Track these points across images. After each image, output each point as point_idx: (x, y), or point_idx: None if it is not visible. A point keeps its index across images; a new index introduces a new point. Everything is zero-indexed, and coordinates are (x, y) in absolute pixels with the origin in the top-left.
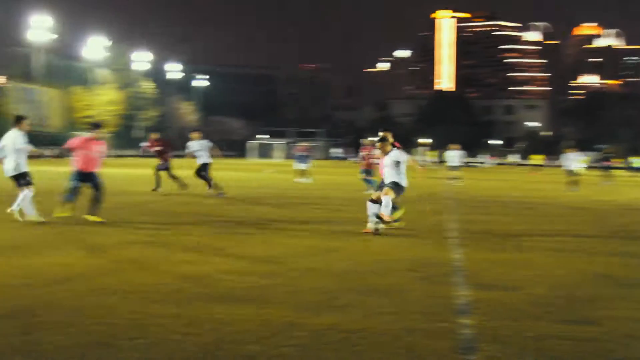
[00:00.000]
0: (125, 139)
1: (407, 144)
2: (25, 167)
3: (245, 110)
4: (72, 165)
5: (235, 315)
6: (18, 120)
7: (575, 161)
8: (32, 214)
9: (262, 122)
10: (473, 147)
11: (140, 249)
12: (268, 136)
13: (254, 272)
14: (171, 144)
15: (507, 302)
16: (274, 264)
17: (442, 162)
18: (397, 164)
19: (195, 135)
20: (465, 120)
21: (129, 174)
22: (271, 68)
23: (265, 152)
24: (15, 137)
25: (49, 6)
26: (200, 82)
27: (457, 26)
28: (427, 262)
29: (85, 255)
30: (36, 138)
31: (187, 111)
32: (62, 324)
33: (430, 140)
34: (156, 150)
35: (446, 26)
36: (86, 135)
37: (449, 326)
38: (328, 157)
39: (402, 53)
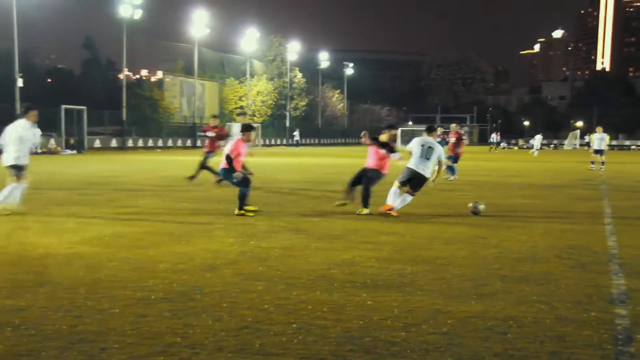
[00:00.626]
0: (277, 128)
1: (560, 127)
2: (26, 160)
3: (393, 96)
4: (226, 164)
5: (381, 302)
6: (26, 110)
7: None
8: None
9: (409, 108)
10: (633, 129)
11: (287, 236)
12: (411, 123)
13: (399, 259)
14: (226, 133)
15: None
16: (420, 250)
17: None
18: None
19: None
20: (626, 101)
21: (278, 162)
22: (419, 54)
23: (411, 139)
24: (21, 127)
25: (204, 1)
26: (348, 70)
27: (621, 2)
28: (580, 249)
29: (234, 243)
30: (192, 129)
31: (336, 99)
32: (213, 308)
33: (581, 123)
34: (211, 137)
35: (608, 2)
36: (237, 136)
37: (603, 316)
38: (484, 143)
39: (559, 33)
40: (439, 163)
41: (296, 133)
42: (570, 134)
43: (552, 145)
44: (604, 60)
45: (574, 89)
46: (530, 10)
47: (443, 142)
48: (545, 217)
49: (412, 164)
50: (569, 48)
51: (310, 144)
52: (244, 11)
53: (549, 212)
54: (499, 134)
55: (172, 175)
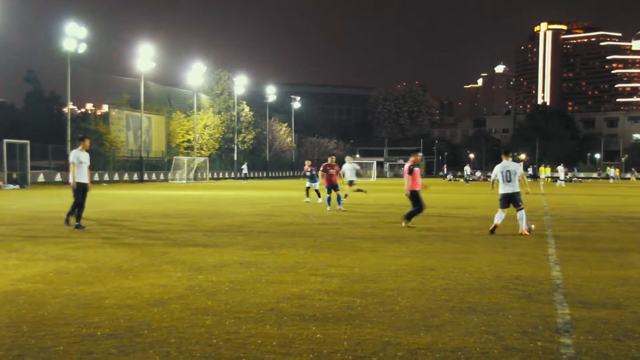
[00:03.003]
0: (225, 162)
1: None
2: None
3: (340, 130)
4: None
5: (331, 335)
6: (81, 139)
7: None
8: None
9: (356, 141)
10: (574, 161)
11: (237, 269)
12: (358, 155)
13: (348, 292)
14: None
15: (610, 320)
16: (368, 283)
17: (548, 177)
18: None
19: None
20: (565, 134)
21: (228, 195)
22: (366, 88)
23: (359, 171)
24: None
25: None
26: (296, 103)
27: (558, 38)
28: (526, 279)
29: (183, 277)
30: (139, 163)
31: (284, 133)
32: (161, 344)
33: (524, 156)
34: None
35: (547, 39)
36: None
37: (549, 346)
38: (431, 175)
39: (501, 68)
40: (523, 177)
41: (244, 166)
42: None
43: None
44: (544, 95)
45: (517, 123)
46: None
47: (316, 177)
48: (491, 248)
49: (501, 188)
50: (511, 82)
51: (258, 177)
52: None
53: (495, 242)
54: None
55: (119, 210)
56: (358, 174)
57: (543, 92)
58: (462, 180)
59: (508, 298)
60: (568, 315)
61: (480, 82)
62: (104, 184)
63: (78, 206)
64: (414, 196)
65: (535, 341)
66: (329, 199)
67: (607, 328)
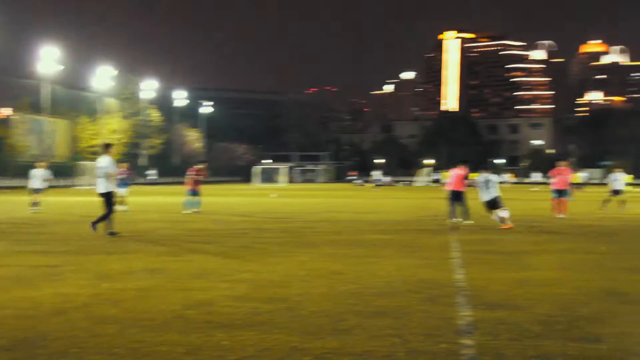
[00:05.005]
0: (132, 167)
1: (411, 165)
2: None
3: (251, 135)
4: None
5: (238, 342)
6: (107, 146)
7: (620, 181)
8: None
9: (266, 146)
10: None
11: (144, 276)
12: (271, 160)
13: (257, 298)
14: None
15: (510, 321)
16: (276, 288)
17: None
18: None
19: None
20: (470, 140)
21: (135, 201)
22: (275, 93)
23: (270, 176)
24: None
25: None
26: (205, 108)
27: (463, 47)
28: (431, 283)
29: (86, 285)
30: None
31: (192, 138)
32: (60, 355)
33: (431, 161)
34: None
35: (452, 47)
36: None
37: (451, 347)
38: (340, 180)
39: (408, 75)
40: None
41: (152, 171)
42: (421, 170)
43: (404, 182)
44: (450, 101)
45: (424, 128)
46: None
47: (123, 184)
48: (399, 252)
49: (484, 196)
50: (418, 89)
51: (167, 183)
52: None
53: (402, 246)
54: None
55: (20, 216)
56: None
57: (449, 98)
58: (371, 185)
59: (414, 301)
60: (470, 316)
61: (388, 88)
62: (6, 190)
63: None
64: (459, 196)
65: (439, 343)
66: (188, 203)
67: (506, 328)
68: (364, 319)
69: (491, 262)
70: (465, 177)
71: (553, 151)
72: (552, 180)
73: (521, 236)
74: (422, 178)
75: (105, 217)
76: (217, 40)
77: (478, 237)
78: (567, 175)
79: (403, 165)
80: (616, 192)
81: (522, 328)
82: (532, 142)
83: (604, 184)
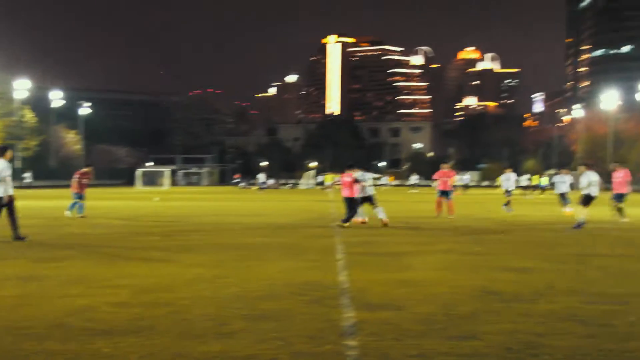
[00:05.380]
0: None
1: (295, 168)
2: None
3: (132, 137)
4: None
5: (119, 349)
6: (2, 150)
7: (512, 181)
8: None
9: (149, 149)
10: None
11: (19, 284)
12: (152, 163)
13: (139, 303)
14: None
15: (391, 321)
16: (160, 293)
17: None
18: None
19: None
20: (353, 143)
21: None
22: (157, 94)
23: (152, 180)
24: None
25: None
26: (84, 109)
27: (345, 51)
28: (315, 285)
29: None
30: None
31: (71, 140)
32: None
33: (315, 164)
34: None
35: (334, 51)
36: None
37: (335, 348)
38: (224, 183)
39: (292, 78)
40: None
41: (27, 174)
42: (306, 173)
43: (289, 185)
44: (333, 105)
45: (308, 132)
46: (266, 54)
47: None
48: (283, 255)
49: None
50: (302, 92)
51: (43, 186)
52: None
53: (286, 249)
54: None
55: None
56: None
57: (332, 102)
58: (255, 188)
59: (298, 304)
60: (353, 318)
61: (272, 91)
62: None
63: None
64: (353, 201)
65: (323, 345)
66: (73, 205)
67: (389, 329)
68: (249, 322)
69: (374, 264)
70: (355, 181)
71: (432, 154)
72: (435, 183)
73: (402, 237)
74: (307, 181)
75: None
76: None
77: (361, 239)
78: (450, 177)
79: (287, 168)
80: (508, 193)
81: (404, 328)
82: (413, 145)
83: (488, 186)
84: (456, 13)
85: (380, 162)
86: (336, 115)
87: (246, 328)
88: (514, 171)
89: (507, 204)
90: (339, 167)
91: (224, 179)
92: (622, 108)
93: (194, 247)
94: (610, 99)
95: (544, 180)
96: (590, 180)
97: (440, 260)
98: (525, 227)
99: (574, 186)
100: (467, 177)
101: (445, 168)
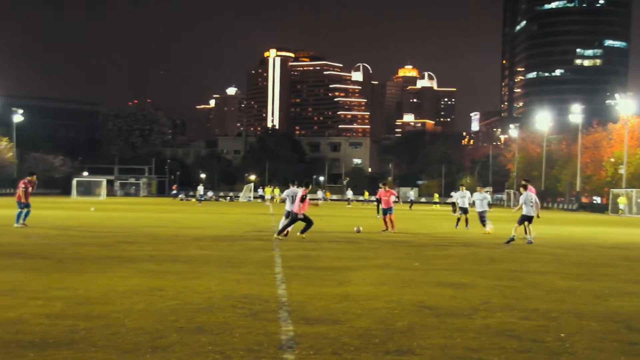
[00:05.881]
0: None
1: (235, 180)
2: None
3: (67, 146)
4: None
5: None
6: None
7: (467, 199)
8: None
9: (86, 158)
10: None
11: None
12: (87, 173)
13: (72, 315)
14: None
15: (329, 335)
16: (94, 305)
17: (273, 198)
18: None
19: None
20: (293, 157)
21: None
22: (94, 103)
23: (89, 189)
24: None
25: None
26: (17, 116)
27: (286, 65)
28: (253, 298)
29: None
30: None
31: (4, 147)
32: None
33: (255, 177)
34: None
35: (275, 65)
36: None
37: None
38: (162, 195)
39: (232, 91)
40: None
41: None
42: (245, 186)
43: (228, 198)
44: (273, 118)
45: (248, 144)
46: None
47: None
48: (221, 268)
49: (288, 207)
50: (242, 105)
51: None
52: None
53: (225, 262)
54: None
55: None
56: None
57: (273, 115)
58: (194, 200)
59: (236, 317)
60: (292, 331)
61: (212, 103)
62: None
63: None
64: (305, 217)
65: (260, 358)
66: (19, 214)
67: (327, 342)
68: (185, 335)
69: (312, 278)
70: (303, 198)
71: (371, 170)
72: (379, 200)
73: (341, 252)
74: (246, 193)
75: None
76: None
77: (301, 252)
78: (390, 195)
79: (227, 181)
80: (464, 210)
81: (342, 342)
82: (353, 160)
83: (427, 202)
84: (395, 32)
85: (320, 176)
86: (276, 129)
87: (182, 341)
88: (465, 189)
89: (466, 221)
90: (279, 181)
91: (162, 191)
92: (554, 129)
93: (131, 258)
94: (543, 120)
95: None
96: (526, 199)
97: (379, 275)
98: (463, 243)
99: (490, 205)
100: (412, 194)
101: (386, 187)
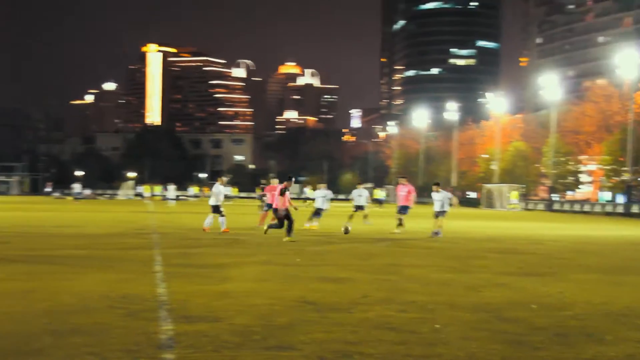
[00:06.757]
0: None
1: (114, 178)
2: None
3: None
4: None
5: None
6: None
7: (364, 197)
8: None
9: None
10: (183, 180)
11: None
12: None
13: None
14: None
15: (209, 333)
16: None
17: (154, 195)
18: None
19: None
20: (174, 154)
21: None
22: None
23: None
24: None
25: None
26: None
27: (166, 61)
28: (132, 297)
29: None
30: None
31: None
32: None
33: (134, 174)
34: None
35: (155, 60)
36: None
37: None
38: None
39: (110, 86)
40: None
41: None
42: (124, 184)
43: (107, 195)
44: (153, 114)
45: (127, 141)
46: (82, 60)
47: None
48: (99, 268)
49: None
50: (121, 101)
51: None
52: None
53: (103, 261)
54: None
55: None
56: None
57: (153, 112)
58: (70, 198)
59: (114, 317)
60: (172, 330)
61: (89, 98)
62: None
63: None
64: (285, 214)
65: (138, 358)
66: None
67: (207, 340)
68: (59, 338)
69: (193, 276)
70: (282, 192)
71: (254, 166)
72: (265, 197)
73: (222, 249)
74: (126, 191)
75: None
76: None
77: (181, 250)
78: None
79: (105, 178)
80: (359, 208)
81: (222, 339)
82: (235, 157)
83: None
84: (277, 28)
85: (201, 173)
86: (157, 126)
87: (55, 344)
88: (362, 187)
89: (350, 216)
90: (159, 178)
91: (35, 188)
92: (432, 126)
93: (1, 259)
94: (421, 117)
95: (381, 194)
96: (443, 197)
97: (260, 271)
98: (346, 238)
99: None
100: (305, 190)
101: (273, 183)
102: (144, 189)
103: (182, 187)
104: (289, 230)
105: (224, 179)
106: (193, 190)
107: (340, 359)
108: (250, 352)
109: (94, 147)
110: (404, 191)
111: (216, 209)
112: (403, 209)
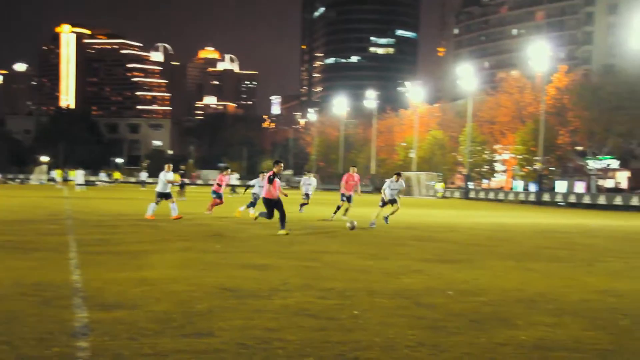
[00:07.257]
0: None
1: (26, 162)
2: None
3: None
4: None
5: None
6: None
7: (312, 185)
8: None
9: None
10: (99, 165)
11: None
12: None
13: None
14: None
15: (126, 321)
16: None
17: (66, 180)
18: None
19: None
20: (90, 138)
21: None
22: None
23: None
24: None
25: None
26: None
27: (82, 42)
28: (46, 285)
29: None
30: None
31: None
32: None
33: (48, 159)
34: None
35: (69, 41)
36: None
37: (65, 350)
38: None
39: (21, 67)
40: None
41: None
42: (37, 168)
43: (18, 180)
44: (68, 97)
45: (40, 124)
46: None
47: None
48: (10, 254)
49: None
50: (33, 83)
51: None
52: None
53: (14, 248)
54: None
55: None
56: None
57: (67, 94)
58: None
59: (25, 305)
60: (86, 318)
61: None
62: None
63: None
64: (270, 203)
65: (51, 347)
66: None
67: (123, 328)
68: None
69: (109, 262)
70: (271, 179)
71: (172, 152)
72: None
73: (141, 236)
74: (39, 176)
75: None
76: None
77: (98, 237)
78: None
79: (17, 162)
80: (307, 196)
81: (139, 327)
82: (153, 142)
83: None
84: (196, 12)
85: (118, 158)
86: (71, 109)
87: None
88: (312, 176)
89: (303, 205)
90: (74, 163)
91: None
92: (351, 114)
93: None
94: (340, 105)
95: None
96: (400, 186)
97: (179, 258)
98: (265, 225)
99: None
100: (235, 177)
101: (224, 173)
102: (56, 174)
103: (97, 172)
104: (282, 222)
105: (170, 165)
106: (104, 175)
107: (259, 346)
108: (168, 340)
109: (4, 129)
110: (352, 180)
111: (163, 195)
112: (349, 197)
